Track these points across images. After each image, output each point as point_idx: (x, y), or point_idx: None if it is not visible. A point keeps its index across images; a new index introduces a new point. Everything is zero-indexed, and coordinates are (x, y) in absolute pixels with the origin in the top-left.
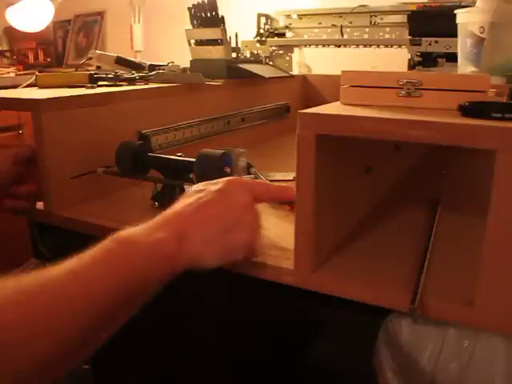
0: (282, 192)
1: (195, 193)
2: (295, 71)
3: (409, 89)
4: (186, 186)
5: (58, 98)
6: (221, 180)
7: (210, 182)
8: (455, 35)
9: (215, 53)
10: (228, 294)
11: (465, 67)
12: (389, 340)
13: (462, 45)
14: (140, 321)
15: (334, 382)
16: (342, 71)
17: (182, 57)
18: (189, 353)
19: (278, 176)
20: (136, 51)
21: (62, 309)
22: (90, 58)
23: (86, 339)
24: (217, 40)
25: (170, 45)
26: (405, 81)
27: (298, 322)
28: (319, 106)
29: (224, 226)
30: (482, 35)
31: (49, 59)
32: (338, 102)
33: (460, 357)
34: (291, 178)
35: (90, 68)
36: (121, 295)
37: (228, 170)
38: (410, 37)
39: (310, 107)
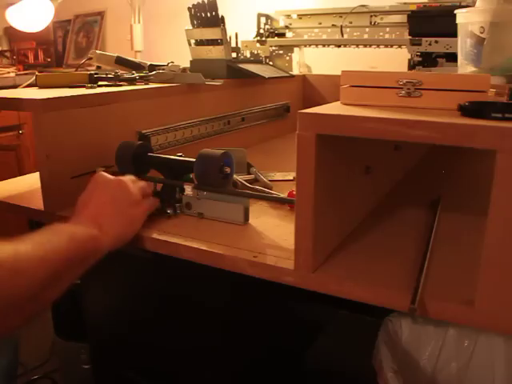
0: None
1: None
2: (295, 71)
3: (409, 89)
4: (185, 186)
5: (58, 98)
6: None
7: None
8: (455, 35)
9: (215, 53)
10: (229, 294)
11: (465, 67)
12: (389, 340)
13: (462, 45)
14: (141, 322)
15: (333, 382)
16: (342, 71)
17: (182, 57)
18: (190, 353)
19: (278, 176)
20: (136, 51)
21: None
22: (90, 58)
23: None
24: (217, 40)
25: (170, 45)
26: (405, 81)
27: (298, 321)
28: (319, 106)
29: None
30: (482, 35)
31: (49, 59)
32: (338, 102)
33: (460, 357)
34: (291, 178)
35: (89, 68)
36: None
37: (228, 169)
38: (410, 37)
39: (310, 107)
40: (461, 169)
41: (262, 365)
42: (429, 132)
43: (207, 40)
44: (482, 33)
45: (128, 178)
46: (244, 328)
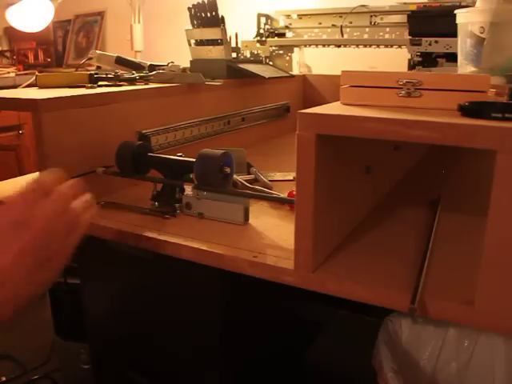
0: None
1: None
2: (295, 71)
3: (409, 89)
4: (185, 186)
5: (58, 98)
6: None
7: None
8: (455, 35)
9: (215, 53)
10: (229, 294)
11: (465, 67)
12: (389, 340)
13: (462, 45)
14: (141, 321)
15: (333, 382)
16: (342, 71)
17: (182, 57)
18: (190, 353)
19: (278, 176)
20: (136, 51)
21: None
22: (90, 58)
23: None
24: (217, 40)
25: (170, 45)
26: (405, 81)
27: (298, 321)
28: (319, 106)
29: None
30: (482, 35)
31: (49, 59)
32: (338, 102)
33: (460, 357)
34: (291, 178)
35: (90, 68)
36: None
37: (228, 169)
38: (409, 37)
39: (310, 107)
40: (461, 169)
41: (262, 365)
42: (428, 132)
43: (207, 40)
44: (481, 33)
45: (63, 197)
46: (244, 328)
